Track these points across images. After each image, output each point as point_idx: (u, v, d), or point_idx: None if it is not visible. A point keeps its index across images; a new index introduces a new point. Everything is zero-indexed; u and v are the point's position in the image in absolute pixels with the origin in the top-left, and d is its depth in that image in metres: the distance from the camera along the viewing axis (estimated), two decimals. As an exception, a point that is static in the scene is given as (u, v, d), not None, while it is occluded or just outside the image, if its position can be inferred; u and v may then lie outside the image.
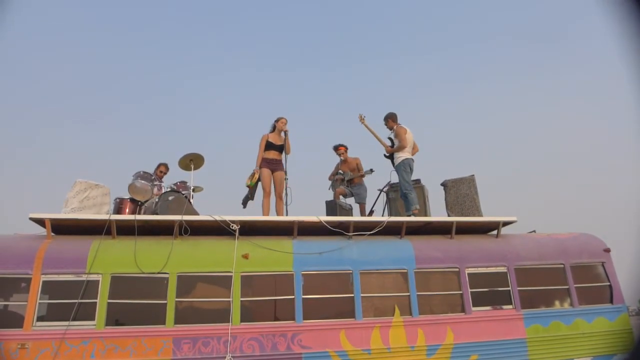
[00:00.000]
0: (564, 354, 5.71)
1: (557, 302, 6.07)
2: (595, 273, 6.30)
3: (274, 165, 6.67)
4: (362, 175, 7.51)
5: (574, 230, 6.81)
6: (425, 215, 6.72)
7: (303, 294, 5.30)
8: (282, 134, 6.80)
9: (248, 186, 6.55)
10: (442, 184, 6.94)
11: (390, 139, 7.13)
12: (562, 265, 6.17)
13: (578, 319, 5.92)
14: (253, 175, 6.52)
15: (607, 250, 6.42)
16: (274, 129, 6.84)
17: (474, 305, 5.73)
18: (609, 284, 6.21)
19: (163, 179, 7.00)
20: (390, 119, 7.13)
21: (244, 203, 6.70)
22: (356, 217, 6.45)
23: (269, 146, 6.69)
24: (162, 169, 7.08)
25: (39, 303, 4.76)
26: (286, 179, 6.58)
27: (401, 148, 6.82)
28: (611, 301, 6.14)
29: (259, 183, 6.60)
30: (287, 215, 6.33)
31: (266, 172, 6.56)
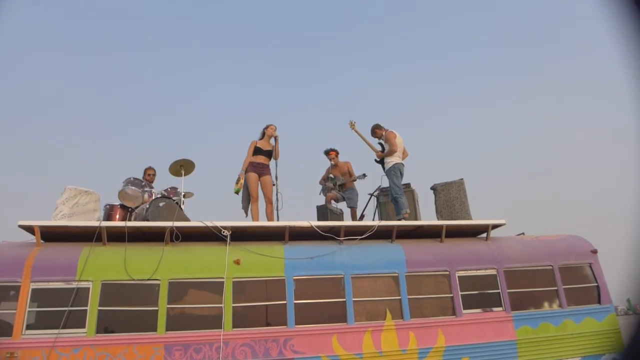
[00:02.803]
0: (553, 355, 5.78)
1: (546, 304, 6.14)
2: (583, 274, 6.39)
3: (261, 169, 6.63)
4: (354, 180, 7.54)
5: (561, 232, 6.91)
6: (416, 219, 6.77)
7: (295, 299, 5.31)
8: (272, 140, 6.81)
9: (235, 192, 6.51)
10: (432, 188, 7.01)
11: (380, 144, 7.19)
12: (550, 267, 6.25)
13: (567, 320, 6.00)
14: (238, 180, 6.46)
15: (595, 252, 6.52)
16: (263, 135, 6.84)
17: (464, 308, 5.78)
18: (596, 284, 6.31)
19: (153, 183, 6.96)
20: (377, 129, 7.22)
21: (245, 209, 6.66)
22: (347, 222, 6.48)
23: (257, 151, 6.67)
24: (150, 173, 7.05)
25: (29, 311, 4.71)
26: (274, 184, 6.58)
27: (391, 152, 6.88)
28: (599, 301, 6.23)
29: (246, 188, 6.56)
30: (278, 220, 6.34)
31: (252, 176, 6.51)
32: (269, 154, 6.74)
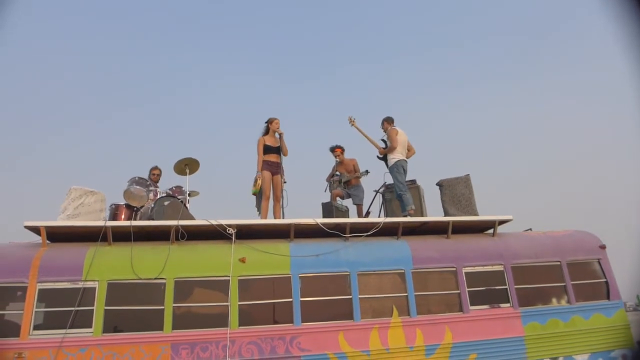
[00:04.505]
0: (562, 351, 5.72)
1: (554, 300, 6.08)
2: (592, 270, 6.33)
3: (275, 168, 6.62)
4: (359, 177, 7.51)
5: (569, 228, 6.84)
6: (422, 215, 6.73)
7: (301, 297, 5.30)
8: (277, 135, 6.78)
9: (254, 194, 6.49)
10: (438, 184, 6.95)
11: (383, 140, 7.15)
12: (558, 263, 6.19)
13: (575, 316, 5.94)
14: (256, 181, 6.44)
15: (603, 247, 6.45)
16: (267, 131, 6.81)
17: (471, 305, 5.73)
18: (605, 280, 6.24)
19: (158, 183, 6.95)
20: (386, 122, 7.18)
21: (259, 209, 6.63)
22: (353, 219, 6.47)
23: (267, 149, 6.63)
24: (156, 172, 7.04)
25: (36, 311, 4.74)
26: (284, 182, 6.57)
27: (392, 149, 6.84)
28: (608, 297, 6.16)
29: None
30: (283, 217, 6.32)
31: (267, 174, 6.50)
32: (278, 151, 6.70)
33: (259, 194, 6.53)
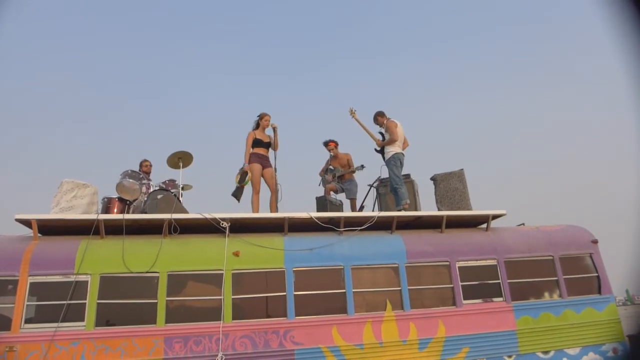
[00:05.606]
0: (554, 345, 5.77)
1: (546, 294, 6.13)
2: (584, 264, 6.38)
3: (265, 161, 6.61)
4: (353, 171, 7.50)
5: (561, 223, 6.89)
6: (416, 209, 6.73)
7: (294, 291, 5.30)
8: (270, 130, 6.76)
9: (241, 185, 6.44)
10: (432, 178, 6.96)
11: (381, 133, 7.15)
12: (551, 257, 6.23)
13: (567, 310, 5.99)
14: (243, 172, 6.40)
15: (595, 242, 6.50)
16: (257, 126, 6.78)
17: (464, 299, 5.76)
18: (597, 274, 6.29)
19: (150, 175, 6.89)
20: (379, 116, 7.16)
21: (236, 197, 6.57)
22: (347, 213, 6.45)
23: (256, 143, 6.62)
24: (147, 164, 6.99)
25: (27, 305, 4.70)
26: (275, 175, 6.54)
27: (392, 141, 6.83)
28: (599, 292, 6.22)
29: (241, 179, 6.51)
30: (277, 211, 6.30)
31: (257, 167, 6.48)
32: (268, 145, 6.70)
33: (242, 187, 6.49)
